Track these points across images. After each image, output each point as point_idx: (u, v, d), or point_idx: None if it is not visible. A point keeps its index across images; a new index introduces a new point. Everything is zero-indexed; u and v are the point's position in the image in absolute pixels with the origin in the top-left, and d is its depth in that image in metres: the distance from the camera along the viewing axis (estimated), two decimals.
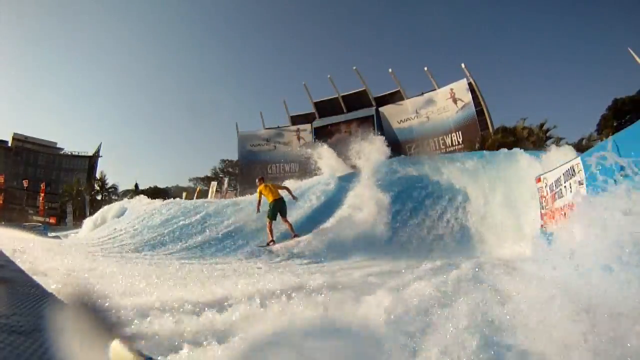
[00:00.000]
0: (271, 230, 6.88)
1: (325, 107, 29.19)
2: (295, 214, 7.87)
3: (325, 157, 9.91)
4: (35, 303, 1.16)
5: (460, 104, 23.91)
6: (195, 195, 24.72)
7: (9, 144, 45.30)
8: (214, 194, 25.07)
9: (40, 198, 38.25)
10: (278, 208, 7.02)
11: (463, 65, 23.96)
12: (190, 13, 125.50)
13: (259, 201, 7.25)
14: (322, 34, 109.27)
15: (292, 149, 30.16)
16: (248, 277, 3.53)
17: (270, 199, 7.04)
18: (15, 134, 45.91)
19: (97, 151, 48.93)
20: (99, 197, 39.23)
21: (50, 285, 2.04)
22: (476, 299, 2.18)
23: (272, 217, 6.95)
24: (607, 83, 62.32)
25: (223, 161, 40.56)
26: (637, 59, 18.11)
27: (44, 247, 5.85)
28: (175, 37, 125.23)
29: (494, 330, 1.69)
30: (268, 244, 6.69)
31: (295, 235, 6.79)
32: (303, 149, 14.24)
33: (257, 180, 7.62)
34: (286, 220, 7.06)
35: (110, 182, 41.98)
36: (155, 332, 1.72)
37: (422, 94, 25.88)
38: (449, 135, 24.27)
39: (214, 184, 28.35)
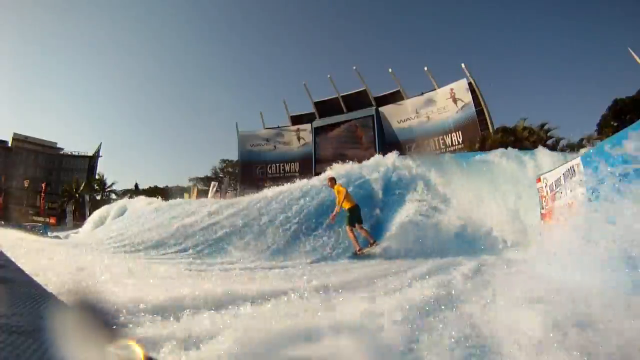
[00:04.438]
0: (355, 238, 6.43)
1: (325, 107, 29.19)
2: None
3: None
4: (35, 303, 1.16)
5: (460, 104, 23.90)
6: (193, 195, 24.65)
7: (9, 144, 45.31)
8: (213, 194, 25.04)
9: (41, 198, 38.24)
10: (356, 215, 6.59)
11: (463, 65, 23.97)
12: (190, 13, 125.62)
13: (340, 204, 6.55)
14: (322, 34, 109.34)
15: (292, 149, 30.23)
16: None
17: (348, 205, 6.59)
18: (15, 134, 45.95)
19: (97, 151, 48.98)
20: (98, 197, 39.19)
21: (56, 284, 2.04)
22: (476, 298, 2.18)
23: (352, 224, 6.53)
24: (607, 83, 62.45)
25: (223, 161, 40.59)
26: (637, 59, 18.10)
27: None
28: (175, 37, 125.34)
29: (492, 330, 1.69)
30: (357, 253, 6.31)
31: (374, 243, 6.37)
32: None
33: (328, 180, 7.00)
34: (362, 228, 6.61)
35: (110, 182, 42.02)
36: (157, 333, 1.71)
37: (422, 94, 25.89)
38: (449, 135, 24.26)
39: (214, 184, 28.33)
